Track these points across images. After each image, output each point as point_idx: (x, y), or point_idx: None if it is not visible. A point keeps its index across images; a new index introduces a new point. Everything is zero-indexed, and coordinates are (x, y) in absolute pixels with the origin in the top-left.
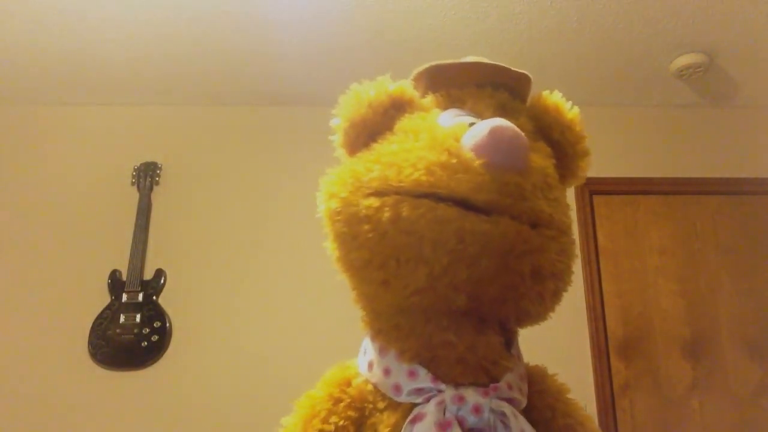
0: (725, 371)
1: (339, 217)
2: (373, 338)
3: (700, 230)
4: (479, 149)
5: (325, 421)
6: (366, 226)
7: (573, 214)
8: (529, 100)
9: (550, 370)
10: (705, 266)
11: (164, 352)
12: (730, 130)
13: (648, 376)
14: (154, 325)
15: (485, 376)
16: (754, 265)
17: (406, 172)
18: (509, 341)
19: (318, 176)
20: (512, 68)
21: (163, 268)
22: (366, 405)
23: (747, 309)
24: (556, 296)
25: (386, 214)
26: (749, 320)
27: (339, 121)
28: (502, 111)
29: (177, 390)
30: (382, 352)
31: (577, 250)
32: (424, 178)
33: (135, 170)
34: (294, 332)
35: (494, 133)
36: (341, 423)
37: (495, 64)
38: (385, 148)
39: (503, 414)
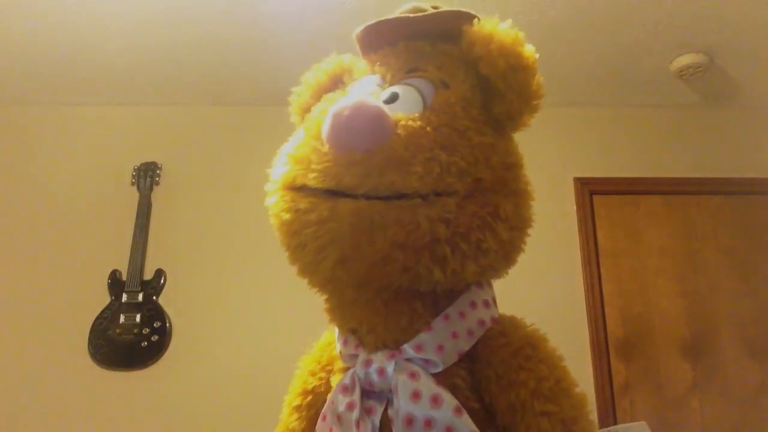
0: (725, 371)
1: None
2: None
3: (700, 230)
4: (325, 136)
5: (305, 381)
6: (272, 221)
7: (573, 214)
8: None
9: None
10: (705, 266)
11: (164, 352)
12: (730, 130)
13: (648, 376)
14: (154, 325)
15: (395, 342)
16: (754, 265)
17: (281, 168)
18: (444, 302)
19: None
20: (419, 14)
21: (163, 268)
22: (332, 367)
23: (747, 309)
24: (472, 257)
25: (271, 210)
26: (749, 320)
27: (294, 116)
28: (415, 63)
29: (177, 390)
30: (329, 321)
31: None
32: (288, 173)
33: (135, 170)
34: (294, 332)
35: (333, 118)
36: (316, 383)
37: (397, 17)
38: (289, 142)
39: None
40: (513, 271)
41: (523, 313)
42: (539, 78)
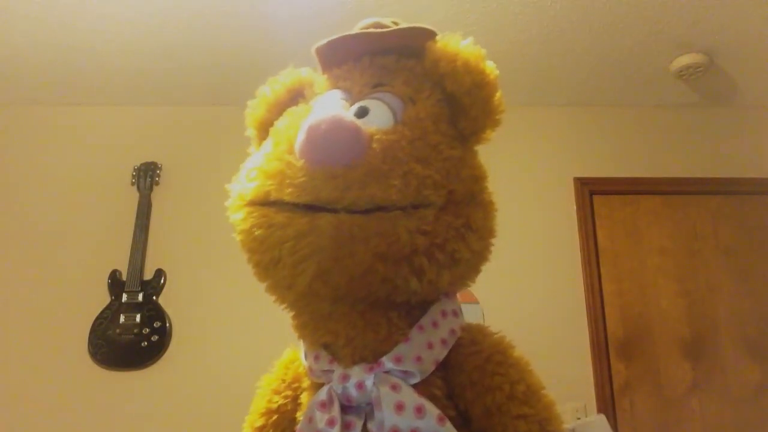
0: (725, 371)
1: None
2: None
3: (700, 230)
4: (300, 150)
5: (270, 401)
6: (238, 237)
7: (573, 214)
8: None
9: (550, 370)
10: (705, 266)
11: (164, 352)
12: (730, 130)
13: (648, 376)
14: (154, 325)
15: (373, 354)
16: (754, 265)
17: (250, 184)
18: (416, 313)
19: None
20: (384, 30)
21: (163, 268)
22: (299, 384)
23: (747, 309)
24: (447, 267)
25: (240, 226)
26: (749, 320)
27: (249, 130)
28: (380, 79)
29: (177, 390)
30: (298, 338)
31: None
32: (260, 188)
33: (135, 170)
34: (294, 332)
35: (309, 132)
36: (282, 402)
37: (362, 33)
38: (253, 157)
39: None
40: (514, 272)
41: (524, 313)
42: (500, 93)
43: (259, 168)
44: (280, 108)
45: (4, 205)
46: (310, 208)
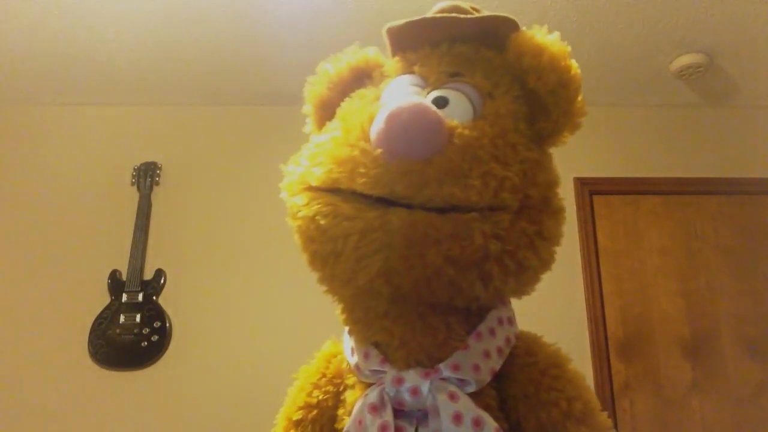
0: (725, 371)
1: (288, 210)
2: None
3: (700, 230)
4: (377, 139)
5: (309, 394)
6: (296, 222)
7: (573, 214)
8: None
9: None
10: (705, 266)
11: (164, 352)
12: (730, 130)
13: (648, 376)
14: (154, 325)
15: (428, 358)
16: (754, 265)
17: (316, 169)
18: (473, 319)
19: None
20: (468, 16)
21: (163, 268)
22: (341, 381)
23: (747, 309)
24: (513, 275)
25: (302, 212)
26: (749, 320)
27: (307, 107)
28: (458, 68)
29: (177, 390)
30: (348, 333)
31: (550, 226)
32: (327, 175)
33: (135, 170)
34: (294, 332)
35: (389, 121)
36: (322, 397)
37: (445, 17)
38: (318, 139)
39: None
40: None
41: (523, 313)
42: (582, 95)
43: (328, 153)
44: (342, 87)
45: (4, 205)
46: (381, 201)
